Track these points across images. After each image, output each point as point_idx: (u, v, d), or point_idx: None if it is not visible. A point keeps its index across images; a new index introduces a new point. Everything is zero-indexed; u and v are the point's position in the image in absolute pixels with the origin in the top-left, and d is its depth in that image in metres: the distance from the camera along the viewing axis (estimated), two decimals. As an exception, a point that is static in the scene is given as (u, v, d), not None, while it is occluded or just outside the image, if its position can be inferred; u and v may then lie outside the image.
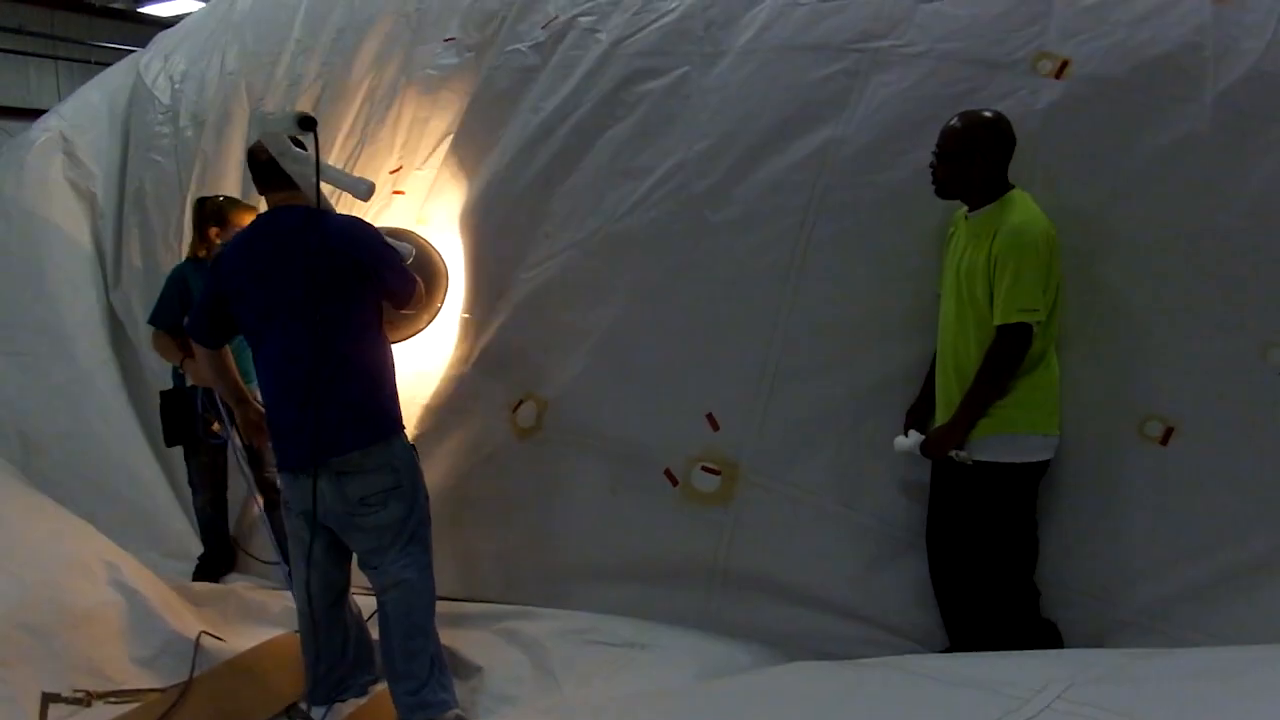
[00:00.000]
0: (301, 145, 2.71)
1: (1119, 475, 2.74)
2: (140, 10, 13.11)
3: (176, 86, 4.84)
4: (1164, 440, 2.73)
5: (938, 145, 2.69)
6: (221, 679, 3.01)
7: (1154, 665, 1.87)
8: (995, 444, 2.63)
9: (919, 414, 2.87)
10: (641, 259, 3.22)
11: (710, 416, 3.05)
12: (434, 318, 3.49)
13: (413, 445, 2.87)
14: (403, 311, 3.00)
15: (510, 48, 3.77)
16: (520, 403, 3.33)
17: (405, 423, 2.88)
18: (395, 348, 3.00)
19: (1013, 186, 2.68)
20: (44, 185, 4.74)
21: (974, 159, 2.63)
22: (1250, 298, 2.70)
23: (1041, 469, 2.68)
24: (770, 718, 1.98)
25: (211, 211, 3.76)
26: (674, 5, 3.51)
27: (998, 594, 2.71)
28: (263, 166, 2.76)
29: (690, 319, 3.13)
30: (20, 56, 12.80)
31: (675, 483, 3.07)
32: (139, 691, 2.86)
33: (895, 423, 2.89)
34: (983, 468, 2.64)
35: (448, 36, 3.98)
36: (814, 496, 2.97)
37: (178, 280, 3.76)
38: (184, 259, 3.88)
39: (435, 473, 3.22)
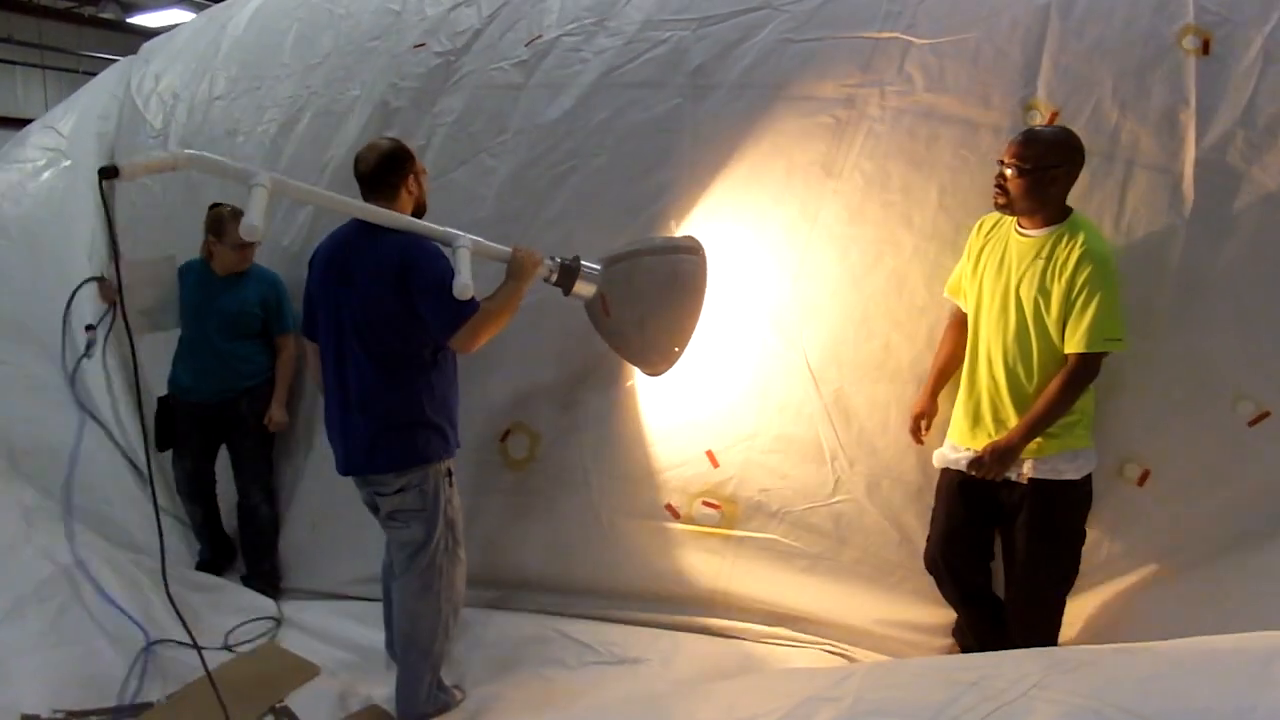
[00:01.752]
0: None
1: (1102, 515, 2.75)
2: (129, 21, 12.92)
3: (168, 109, 4.73)
4: (1141, 482, 2.75)
5: (1016, 158, 2.51)
6: (205, 691, 2.88)
7: (1124, 658, 1.92)
8: (1056, 463, 2.58)
9: (929, 416, 2.84)
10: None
11: (710, 454, 3.03)
12: (672, 363, 2.92)
13: (449, 471, 2.78)
14: (456, 348, 2.69)
15: (494, 66, 3.70)
16: (508, 432, 3.27)
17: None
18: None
19: (1071, 208, 2.59)
20: (45, 208, 4.62)
21: (1058, 174, 2.51)
22: (1223, 351, 2.70)
23: (1089, 488, 2.64)
24: (750, 707, 2.03)
25: (212, 221, 3.68)
26: (665, 35, 3.44)
27: (1043, 609, 2.68)
28: (360, 177, 2.75)
29: (685, 355, 3.03)
30: (8, 65, 12.57)
31: (677, 516, 3.06)
32: (120, 709, 2.75)
33: (888, 461, 2.90)
34: (1040, 487, 2.58)
35: (418, 43, 3.91)
36: (812, 534, 2.96)
37: (180, 274, 3.73)
38: (196, 257, 3.82)
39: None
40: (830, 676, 2.15)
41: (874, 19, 3.17)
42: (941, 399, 2.85)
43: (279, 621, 3.35)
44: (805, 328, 2.99)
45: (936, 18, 3.11)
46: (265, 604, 3.47)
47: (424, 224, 2.69)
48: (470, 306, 2.59)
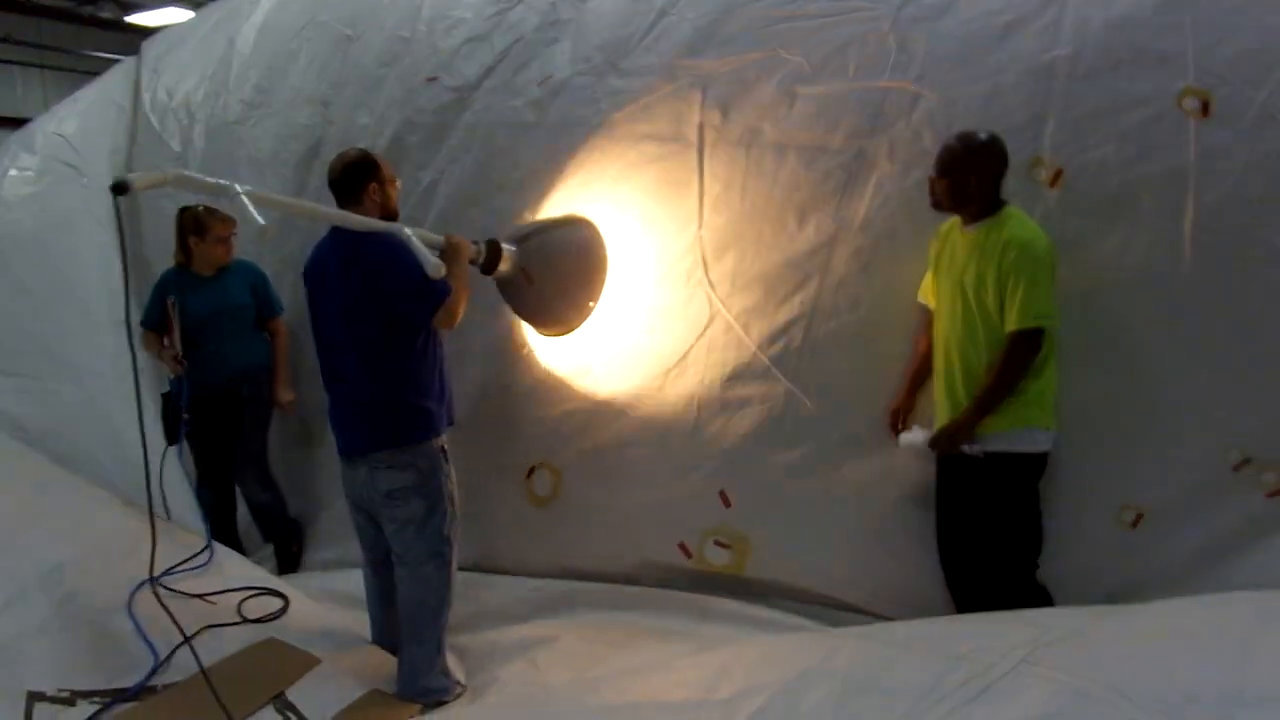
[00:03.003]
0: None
1: (1090, 557, 2.82)
2: (127, 20, 12.75)
3: (185, 129, 4.68)
4: (1134, 524, 2.81)
5: (938, 161, 2.75)
6: (205, 683, 2.88)
7: (1111, 626, 1.95)
8: (1010, 437, 2.70)
9: (905, 412, 2.95)
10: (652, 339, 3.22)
11: (723, 493, 3.08)
12: (586, 316, 3.26)
13: (443, 449, 2.89)
14: (440, 326, 2.86)
15: (508, 104, 3.71)
16: (532, 470, 3.32)
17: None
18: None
19: (1006, 202, 2.75)
20: (59, 224, 4.57)
21: (972, 175, 2.70)
22: (1214, 403, 2.76)
23: (1044, 461, 2.75)
24: (736, 682, 2.02)
25: (190, 221, 3.71)
26: (676, 80, 3.43)
27: (1011, 584, 2.76)
28: (329, 184, 2.91)
29: (700, 398, 3.15)
30: (6, 65, 12.39)
31: (689, 555, 3.11)
32: (124, 691, 2.66)
33: (898, 506, 2.95)
34: (996, 459, 2.70)
35: (430, 76, 3.91)
36: (822, 576, 3.03)
37: (160, 286, 3.77)
38: (170, 266, 3.85)
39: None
40: (820, 648, 2.14)
41: (883, 67, 3.17)
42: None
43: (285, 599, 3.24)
44: (816, 375, 3.04)
45: (944, 68, 3.11)
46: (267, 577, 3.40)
47: (368, 220, 2.82)
48: (441, 286, 2.76)
